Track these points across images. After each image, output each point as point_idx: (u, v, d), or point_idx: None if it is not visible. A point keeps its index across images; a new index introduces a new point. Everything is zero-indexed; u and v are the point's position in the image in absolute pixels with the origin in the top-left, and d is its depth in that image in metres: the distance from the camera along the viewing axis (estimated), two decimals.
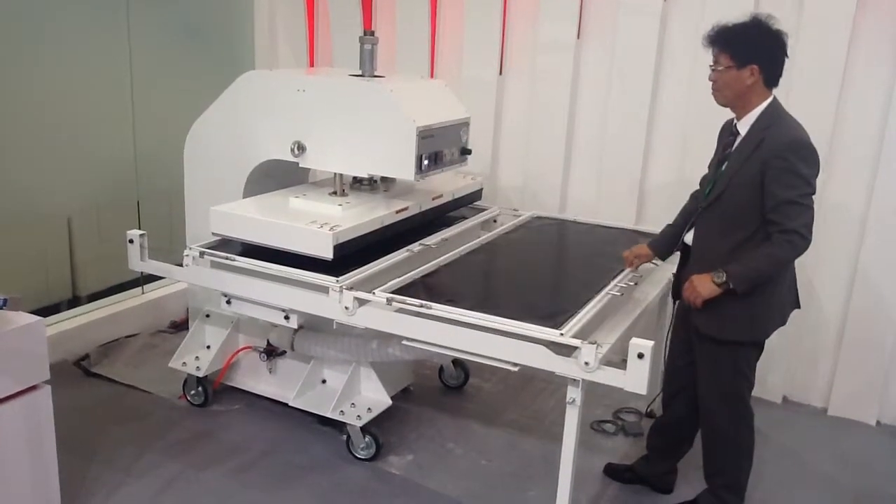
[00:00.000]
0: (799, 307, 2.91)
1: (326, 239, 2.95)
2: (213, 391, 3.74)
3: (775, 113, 2.67)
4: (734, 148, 2.73)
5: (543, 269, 3.49)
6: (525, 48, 4.40)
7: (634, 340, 2.44)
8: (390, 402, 3.40)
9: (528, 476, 3.32)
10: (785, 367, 4.01)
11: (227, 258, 3.13)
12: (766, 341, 2.84)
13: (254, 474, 3.25)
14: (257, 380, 3.72)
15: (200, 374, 3.62)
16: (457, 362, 3.98)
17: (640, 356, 2.41)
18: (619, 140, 4.21)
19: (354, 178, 3.55)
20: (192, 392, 3.74)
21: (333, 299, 2.89)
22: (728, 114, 2.80)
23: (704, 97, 2.81)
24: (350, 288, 2.88)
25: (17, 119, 3.92)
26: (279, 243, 3.06)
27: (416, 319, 2.77)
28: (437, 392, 4.01)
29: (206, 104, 3.58)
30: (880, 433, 3.87)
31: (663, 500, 3.18)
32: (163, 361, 3.80)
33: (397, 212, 3.36)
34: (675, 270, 3.04)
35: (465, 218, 3.83)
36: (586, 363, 2.47)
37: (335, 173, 3.42)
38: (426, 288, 2.95)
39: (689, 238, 2.89)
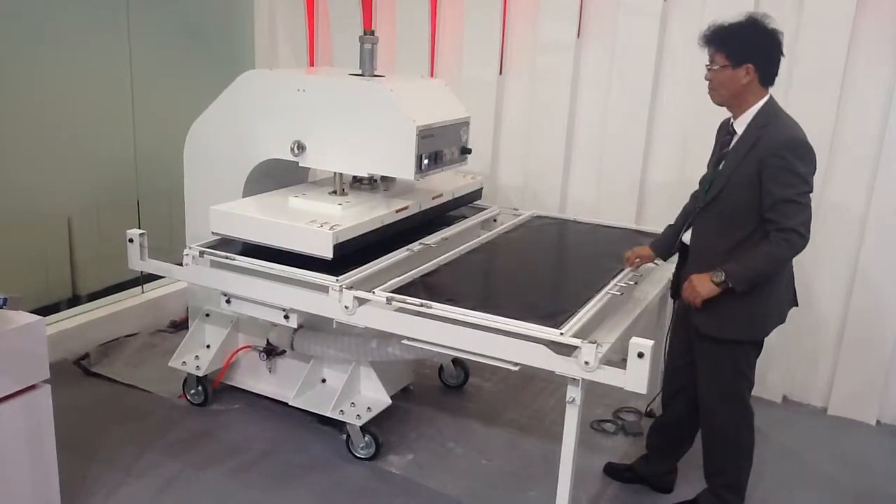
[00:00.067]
0: (797, 305, 2.91)
1: (326, 238, 2.95)
2: (212, 390, 3.74)
3: (772, 112, 2.68)
4: (731, 147, 2.73)
5: (543, 269, 3.49)
6: (525, 48, 4.40)
7: (634, 340, 2.44)
8: (390, 401, 3.40)
9: (529, 475, 3.32)
10: (785, 366, 4.01)
11: (226, 257, 3.13)
12: (766, 341, 2.84)
13: (254, 474, 3.25)
14: (257, 379, 3.72)
15: (200, 374, 3.62)
16: (457, 361, 3.98)
17: (640, 355, 2.41)
18: (619, 140, 4.21)
19: (354, 177, 3.55)
20: (192, 391, 3.74)
21: (333, 298, 2.89)
22: (727, 113, 2.80)
23: (704, 97, 2.81)
24: (350, 287, 2.88)
25: (17, 119, 3.92)
26: (279, 242, 3.06)
27: (415, 319, 2.77)
28: (437, 391, 4.01)
29: (206, 104, 3.58)
30: (880, 433, 3.87)
31: (663, 499, 3.18)
32: (163, 361, 3.80)
33: (397, 211, 3.36)
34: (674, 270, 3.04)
35: (465, 217, 3.83)
36: (586, 362, 2.48)
37: (335, 173, 3.42)
38: (426, 287, 2.95)
39: (686, 237, 2.90)
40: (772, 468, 3.45)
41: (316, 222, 3.03)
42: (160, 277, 4.45)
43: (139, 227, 3.58)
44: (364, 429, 3.33)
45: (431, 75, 4.61)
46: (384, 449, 3.39)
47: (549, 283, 3.30)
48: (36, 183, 4.07)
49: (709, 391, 2.87)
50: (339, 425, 3.43)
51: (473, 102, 3.96)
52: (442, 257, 3.25)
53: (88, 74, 4.23)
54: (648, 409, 3.75)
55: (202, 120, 3.61)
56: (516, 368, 2.66)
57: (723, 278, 2.62)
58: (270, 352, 3.61)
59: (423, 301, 2.74)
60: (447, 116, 3.36)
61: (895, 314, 3.78)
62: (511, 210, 4.13)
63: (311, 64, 5.04)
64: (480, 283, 3.27)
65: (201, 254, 3.20)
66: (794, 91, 3.69)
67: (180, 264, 3.30)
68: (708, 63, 2.71)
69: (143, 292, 4.67)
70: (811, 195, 2.60)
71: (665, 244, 3.09)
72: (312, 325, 3.38)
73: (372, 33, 3.42)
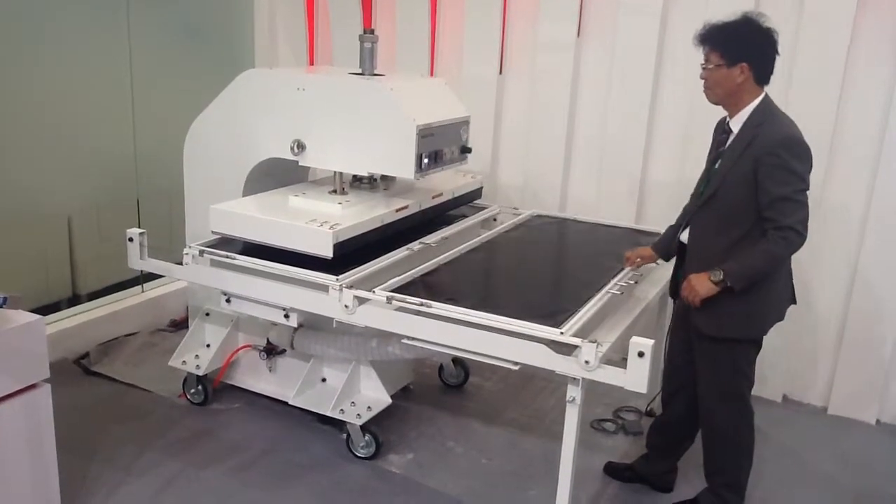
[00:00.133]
0: (795, 303, 2.91)
1: (326, 237, 2.95)
2: (212, 390, 3.74)
3: (767, 110, 2.68)
4: (727, 146, 2.74)
5: (543, 268, 3.49)
6: (525, 47, 4.40)
7: (635, 339, 2.44)
8: (390, 400, 3.40)
9: (529, 475, 3.32)
10: (785, 366, 4.01)
11: (226, 257, 3.13)
12: (767, 340, 2.85)
13: (254, 473, 3.25)
14: (257, 378, 3.72)
15: (200, 373, 3.62)
16: (457, 361, 3.98)
17: (641, 355, 2.42)
18: (619, 139, 4.21)
19: (354, 176, 3.55)
20: (192, 391, 3.74)
21: (333, 298, 2.89)
22: (725, 112, 2.80)
23: (704, 97, 2.81)
24: (350, 286, 2.88)
25: (17, 119, 3.92)
26: (279, 242, 3.06)
27: (415, 318, 2.77)
28: (437, 391, 4.01)
29: (206, 103, 3.58)
30: (880, 432, 3.87)
31: (663, 498, 3.17)
32: (163, 360, 3.81)
33: (397, 210, 3.36)
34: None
35: (465, 216, 3.83)
36: (586, 362, 2.48)
37: (335, 172, 3.42)
38: (426, 286, 2.95)
39: (684, 237, 2.90)
40: (772, 467, 3.45)
41: (316, 221, 3.03)
42: (160, 277, 4.44)
43: (139, 227, 3.58)
44: (364, 428, 3.33)
45: (431, 74, 4.61)
46: (384, 448, 3.39)
47: (549, 283, 3.30)
48: (36, 182, 4.07)
49: (709, 390, 2.87)
50: (339, 424, 3.43)
51: (473, 102, 3.96)
52: (442, 256, 3.25)
53: (88, 74, 4.23)
54: (649, 409, 3.75)
55: (202, 119, 3.61)
56: (516, 368, 2.66)
57: (721, 277, 2.63)
58: (270, 351, 3.61)
59: (424, 300, 2.74)
60: (447, 115, 3.36)
61: (895, 314, 3.78)
62: (511, 209, 4.13)
63: (311, 63, 5.04)
64: (480, 282, 3.27)
65: (201, 253, 3.20)
66: (794, 91, 3.69)
67: (180, 263, 3.30)
68: (703, 62, 2.72)
69: (143, 291, 4.67)
70: (808, 193, 2.60)
71: (666, 245, 3.09)
72: (312, 325, 3.37)
73: (372, 32, 3.43)
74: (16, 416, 2.58)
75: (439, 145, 3.28)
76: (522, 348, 2.59)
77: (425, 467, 3.34)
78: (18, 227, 3.99)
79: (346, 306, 2.87)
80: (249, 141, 3.46)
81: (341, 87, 3.28)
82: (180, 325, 4.50)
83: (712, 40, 2.68)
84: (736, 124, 2.71)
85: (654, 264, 3.28)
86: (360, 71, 3.43)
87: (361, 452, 3.37)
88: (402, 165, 3.17)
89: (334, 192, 3.44)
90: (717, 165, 2.76)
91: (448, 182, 3.83)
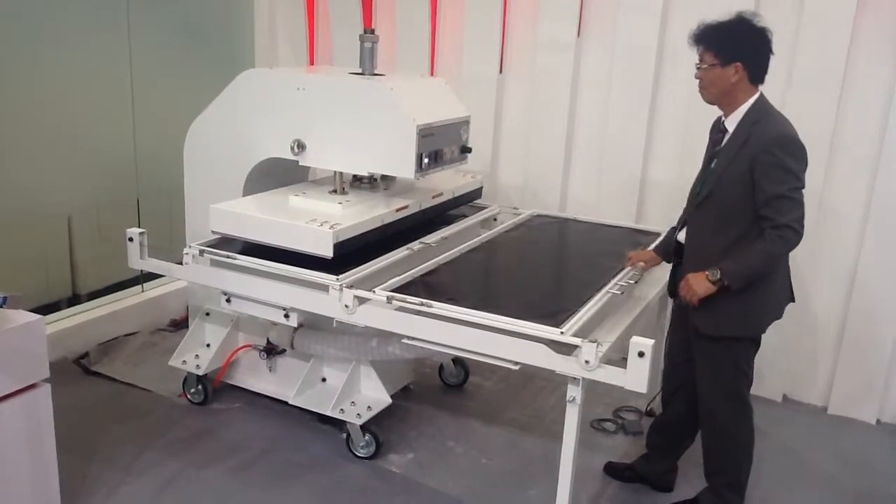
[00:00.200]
0: (794, 301, 2.91)
1: (326, 237, 2.95)
2: (212, 389, 3.74)
3: (762, 109, 2.68)
4: (723, 145, 2.75)
5: (544, 268, 3.49)
6: (525, 47, 4.40)
7: (635, 339, 2.44)
8: (390, 400, 3.40)
9: (529, 474, 3.32)
10: (785, 365, 4.01)
11: (227, 256, 3.13)
12: (767, 340, 2.85)
13: (254, 472, 3.25)
14: (257, 378, 3.72)
15: (200, 373, 3.62)
16: (457, 361, 3.98)
17: (641, 355, 2.42)
18: (619, 139, 4.21)
19: (354, 176, 3.55)
20: (192, 390, 3.74)
21: (333, 297, 2.89)
22: None
23: None
24: (350, 286, 2.88)
25: (17, 118, 3.92)
26: (279, 241, 3.06)
27: (416, 318, 2.77)
28: (437, 390, 4.01)
29: (206, 104, 3.58)
30: (880, 432, 3.87)
31: (663, 498, 3.17)
32: (163, 360, 3.81)
33: (397, 210, 3.36)
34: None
35: (465, 216, 3.83)
36: (587, 362, 2.48)
37: (335, 171, 3.42)
38: (426, 286, 2.95)
39: (681, 236, 2.90)
40: (772, 467, 3.45)
41: (316, 221, 3.03)
42: (160, 276, 4.44)
43: (139, 226, 3.58)
44: (364, 428, 3.33)
45: (431, 74, 4.61)
46: (384, 448, 3.39)
47: (549, 282, 3.30)
48: (36, 182, 4.07)
49: (708, 390, 2.87)
50: (339, 424, 3.43)
51: (473, 101, 3.96)
52: (442, 256, 3.25)
53: (88, 74, 4.23)
54: (649, 408, 3.75)
55: (202, 119, 3.61)
56: (517, 367, 2.66)
57: (719, 276, 2.63)
58: (270, 351, 3.61)
59: (424, 300, 2.74)
60: (447, 115, 3.36)
61: (895, 313, 3.78)
62: (511, 209, 4.13)
63: (311, 63, 5.04)
64: (481, 282, 3.27)
65: (201, 252, 3.20)
66: (794, 91, 3.69)
67: (180, 263, 3.30)
68: (697, 62, 2.73)
69: (143, 291, 4.67)
70: (804, 191, 2.61)
71: (668, 247, 3.09)
72: (313, 324, 3.37)
73: (372, 32, 3.43)
74: (16, 416, 2.58)
75: (439, 145, 3.28)
76: (522, 348, 2.59)
77: (425, 467, 3.34)
78: (18, 227, 3.99)
79: (346, 306, 2.87)
80: (249, 141, 3.46)
81: (341, 86, 3.28)
82: (180, 324, 4.50)
83: (706, 40, 2.69)
84: (731, 124, 2.72)
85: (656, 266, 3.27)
86: (360, 71, 3.43)
87: (361, 452, 3.37)
88: (402, 165, 3.17)
89: (334, 191, 3.44)
90: (713, 165, 2.77)
91: (448, 182, 3.83)
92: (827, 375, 4.01)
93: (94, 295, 4.46)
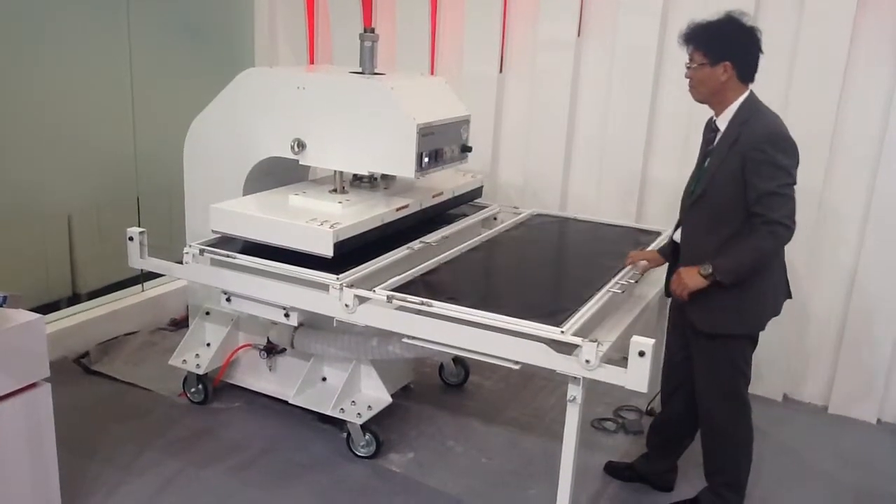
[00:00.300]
0: (791, 297, 2.92)
1: (327, 236, 2.95)
2: (213, 389, 3.74)
3: (752, 107, 2.70)
4: (715, 144, 2.76)
5: (544, 267, 3.49)
6: (525, 46, 4.40)
7: (635, 338, 2.44)
8: (390, 399, 3.40)
9: (529, 474, 3.32)
10: (785, 365, 4.01)
11: (227, 256, 3.13)
12: (767, 339, 2.86)
13: (254, 472, 3.25)
14: (257, 377, 3.72)
15: (200, 372, 3.62)
16: (457, 360, 3.98)
17: (641, 354, 2.41)
18: (619, 139, 4.21)
19: (354, 175, 3.55)
20: (192, 390, 3.74)
21: (333, 297, 2.88)
22: None
23: None
24: (350, 285, 2.88)
25: (17, 118, 3.92)
26: (279, 241, 3.06)
27: (416, 317, 2.77)
28: (438, 390, 4.01)
29: (206, 103, 3.58)
30: (880, 431, 3.87)
31: (663, 498, 3.17)
32: (163, 359, 3.81)
33: (397, 209, 3.36)
34: None
35: (465, 215, 3.83)
36: (587, 361, 2.47)
37: (335, 171, 3.42)
38: (426, 286, 2.95)
39: (677, 236, 2.91)
40: (772, 466, 3.45)
41: (316, 220, 3.03)
42: (160, 276, 4.43)
43: (139, 226, 3.58)
44: (364, 427, 3.33)
45: (432, 73, 4.61)
46: (384, 447, 3.39)
47: (549, 282, 3.30)
48: (36, 181, 4.07)
49: (706, 388, 2.87)
50: (339, 423, 3.43)
51: (474, 100, 3.96)
52: (442, 256, 3.25)
53: (88, 74, 4.23)
54: (649, 408, 3.76)
55: (202, 118, 3.61)
56: (517, 367, 2.66)
57: (710, 271, 2.64)
58: (271, 350, 3.61)
59: (424, 299, 2.74)
60: (447, 114, 3.36)
61: (895, 313, 3.78)
62: (511, 208, 4.13)
63: (311, 62, 5.04)
64: (481, 281, 3.27)
65: (201, 252, 3.20)
66: (794, 91, 3.69)
67: (180, 262, 3.30)
68: (687, 61, 2.74)
69: (143, 290, 4.67)
70: (795, 187, 2.61)
71: (669, 246, 3.09)
72: (313, 324, 3.37)
73: (372, 31, 3.43)
74: (16, 416, 2.58)
75: (439, 144, 3.28)
76: (523, 347, 2.59)
77: (425, 466, 3.34)
78: (18, 226, 3.99)
79: (346, 305, 2.87)
80: (249, 140, 3.46)
81: (341, 86, 3.28)
82: (180, 324, 4.50)
83: (696, 39, 2.70)
84: (722, 122, 2.74)
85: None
86: (360, 70, 3.43)
87: (362, 451, 3.37)
88: (402, 164, 3.17)
89: (334, 191, 3.44)
90: (706, 164, 2.78)
91: (448, 181, 3.83)
92: (827, 375, 4.01)
93: (94, 294, 4.46)
